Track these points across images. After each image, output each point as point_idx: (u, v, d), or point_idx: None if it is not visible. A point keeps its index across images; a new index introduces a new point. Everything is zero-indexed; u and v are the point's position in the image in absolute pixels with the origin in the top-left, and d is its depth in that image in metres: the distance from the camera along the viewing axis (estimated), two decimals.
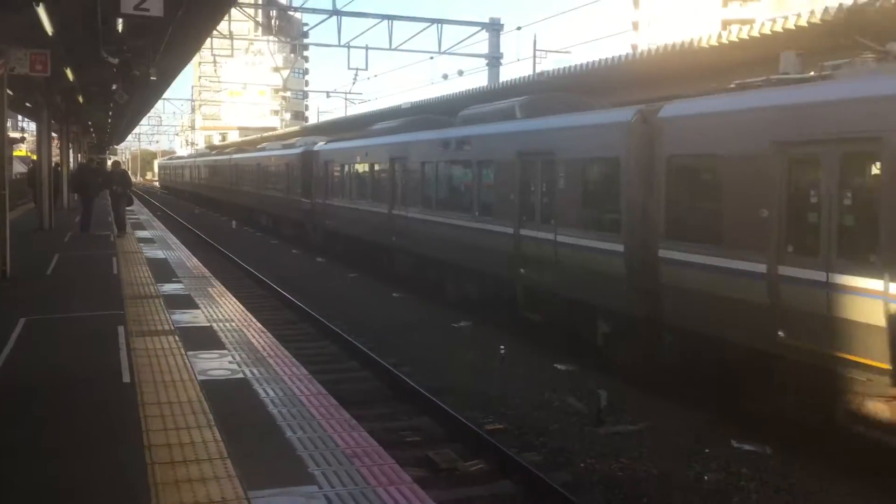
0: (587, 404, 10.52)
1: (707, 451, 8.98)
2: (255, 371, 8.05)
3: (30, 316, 10.37)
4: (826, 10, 14.60)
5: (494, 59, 34.19)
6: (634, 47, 79.39)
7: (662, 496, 7.89)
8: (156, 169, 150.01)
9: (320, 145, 28.12)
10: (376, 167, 21.82)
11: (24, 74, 13.67)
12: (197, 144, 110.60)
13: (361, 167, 23.22)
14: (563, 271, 12.75)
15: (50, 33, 12.71)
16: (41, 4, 10.97)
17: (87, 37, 15.11)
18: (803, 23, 15.07)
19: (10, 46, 13.43)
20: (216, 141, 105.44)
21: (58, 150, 35.13)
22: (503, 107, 16.38)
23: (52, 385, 7.45)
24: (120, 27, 14.14)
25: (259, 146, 43.76)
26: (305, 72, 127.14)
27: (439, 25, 32.86)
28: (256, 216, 38.97)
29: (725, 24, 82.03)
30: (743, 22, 72.75)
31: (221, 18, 18.56)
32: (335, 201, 25.12)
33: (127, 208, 24.01)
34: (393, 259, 20.71)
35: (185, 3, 11.48)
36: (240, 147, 59.55)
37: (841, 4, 14.03)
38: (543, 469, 8.30)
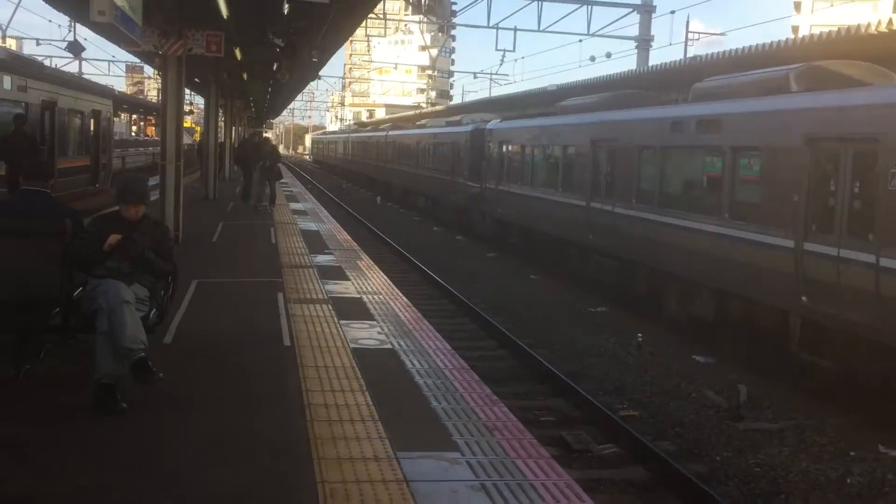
0: (726, 398, 10.43)
1: (852, 453, 8.75)
2: (402, 343, 8.51)
3: (201, 279, 11.28)
4: None
5: (645, 42, 33.52)
6: (795, 30, 75.46)
7: (801, 495, 7.80)
8: (307, 143, 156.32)
9: (494, 123, 25.15)
10: (570, 150, 18.73)
11: (201, 54, 14.68)
12: (346, 120, 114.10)
13: (548, 150, 20.29)
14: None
15: (225, 16, 13.62)
16: None
17: (256, 19, 16.08)
18: None
19: (189, 28, 14.43)
20: (364, 117, 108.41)
21: (222, 124, 37.29)
22: (772, 76, 12.53)
23: (224, 345, 8.17)
24: (286, 10, 14.99)
25: (418, 122, 42.81)
26: (452, 51, 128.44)
27: (589, 7, 32.51)
28: (413, 197, 37.28)
29: None
30: None
31: (379, 1, 19.26)
32: (511, 188, 22.24)
33: (278, 182, 24.98)
34: (588, 261, 17.42)
35: None
36: (396, 123, 57.39)
37: None
38: (678, 458, 8.37)
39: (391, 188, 42.69)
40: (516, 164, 22.48)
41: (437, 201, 32.29)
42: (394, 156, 41.73)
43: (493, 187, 23.74)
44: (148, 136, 69.09)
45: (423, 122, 40.99)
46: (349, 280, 12.25)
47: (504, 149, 23.48)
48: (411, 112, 69.80)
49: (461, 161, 27.73)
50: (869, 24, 17.15)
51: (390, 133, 45.14)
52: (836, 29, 18.02)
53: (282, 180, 26.93)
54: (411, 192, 37.49)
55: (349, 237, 17.96)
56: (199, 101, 52.53)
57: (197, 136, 59.21)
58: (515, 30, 33.79)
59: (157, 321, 6.77)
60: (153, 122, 73.81)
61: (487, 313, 14.65)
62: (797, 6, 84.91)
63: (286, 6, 14.55)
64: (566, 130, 19.20)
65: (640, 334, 13.04)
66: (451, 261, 21.55)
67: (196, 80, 28.79)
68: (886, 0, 74.44)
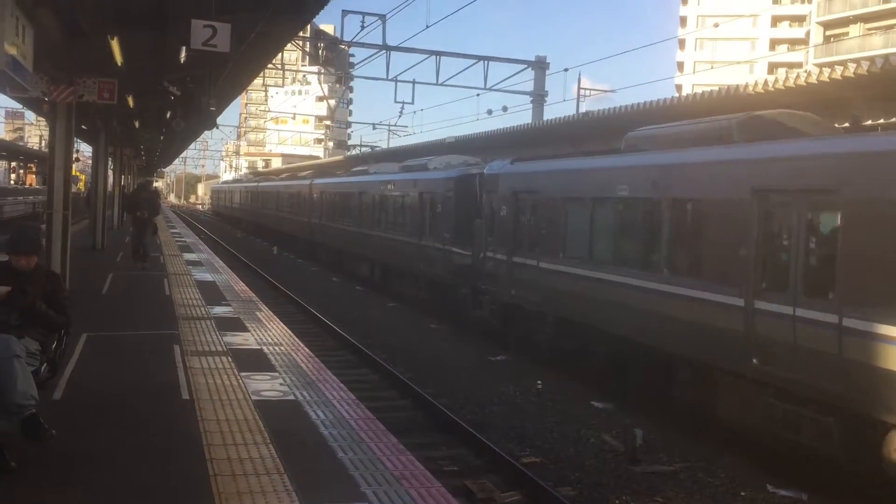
0: (623, 442, 10.68)
1: (743, 493, 9.10)
2: (306, 394, 8.39)
3: (91, 332, 10.84)
4: (873, 62, 14.80)
5: (539, 97, 34.70)
6: (679, 88, 79.63)
7: None
8: (199, 192, 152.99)
9: (501, 166, 17.60)
10: (666, 208, 11.73)
11: (92, 102, 14.31)
12: (241, 170, 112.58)
13: (618, 207, 13.12)
14: None
15: (119, 63, 13.36)
16: (115, 38, 11.58)
17: (152, 66, 15.82)
18: (837, 76, 15.32)
19: (80, 75, 14.08)
20: (260, 167, 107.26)
21: (110, 173, 36.22)
22: (714, 126, 11.99)
23: (118, 399, 7.86)
24: (183, 57, 14.81)
25: (355, 169, 35.27)
26: (350, 101, 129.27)
27: (486, 62, 33.52)
28: (353, 262, 29.74)
29: (772, 68, 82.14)
30: (790, 66, 72.50)
31: (279, 52, 19.28)
32: (543, 261, 14.96)
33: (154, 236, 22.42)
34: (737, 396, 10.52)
35: (248, 41, 12.02)
36: (321, 169, 50.35)
37: (887, 58, 14.23)
38: (579, 503, 8.50)
39: (320, 249, 35.25)
40: (545, 225, 15.16)
41: (392, 270, 24.97)
42: (324, 210, 34.00)
43: (502, 258, 16.53)
44: (28, 184, 66.18)
45: (362, 168, 33.96)
46: (248, 331, 12.02)
47: (522, 203, 16.07)
48: (339, 157, 65.52)
49: (438, 218, 20.84)
50: (747, 84, 18.34)
51: (316, 181, 37.31)
52: (717, 88, 19.20)
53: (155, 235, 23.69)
54: (353, 257, 29.59)
55: (246, 287, 17.65)
56: (84, 147, 50.81)
57: (81, 185, 57.11)
58: (414, 82, 34.46)
59: (48, 376, 6.48)
60: (34, 169, 70.92)
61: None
62: (680, 66, 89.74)
63: (183, 53, 14.39)
64: (659, 175, 12.10)
65: (539, 382, 13.24)
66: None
67: (84, 126, 28.01)
68: (761, 63, 79.82)
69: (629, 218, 13.03)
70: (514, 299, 16.15)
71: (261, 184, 54.73)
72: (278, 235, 43.81)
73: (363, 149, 40.56)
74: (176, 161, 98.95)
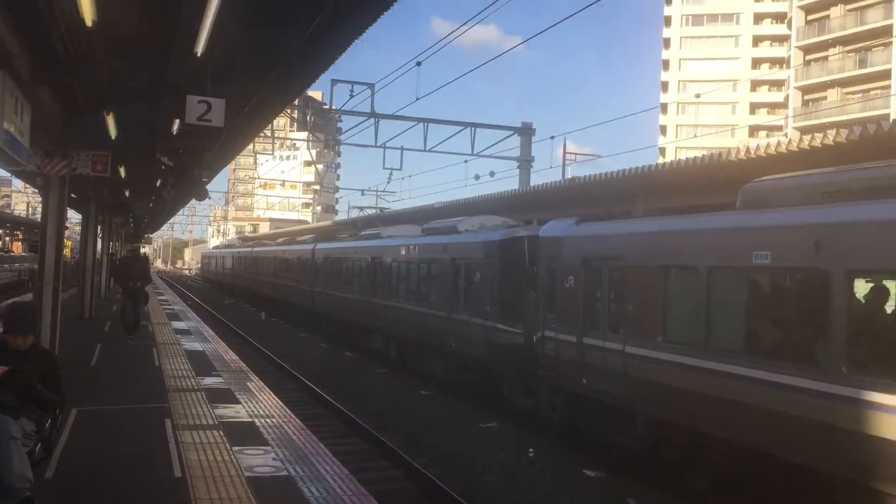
0: None
1: None
2: (299, 469, 8.34)
3: (81, 406, 10.77)
4: (851, 130, 15.19)
5: (526, 163, 35.21)
6: (662, 151, 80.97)
7: None
8: (186, 257, 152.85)
9: (561, 228, 14.59)
10: (841, 282, 8.61)
11: (86, 174, 14.46)
12: (228, 234, 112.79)
13: (754, 279, 10.26)
14: None
15: (113, 137, 13.54)
16: (111, 113, 11.78)
17: (145, 138, 16.05)
18: (818, 143, 15.69)
19: (74, 148, 14.25)
20: (247, 231, 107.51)
21: (98, 240, 36.27)
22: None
23: (111, 478, 7.79)
24: (175, 130, 15.03)
25: (364, 233, 30.62)
26: (338, 166, 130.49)
27: (473, 129, 34.10)
28: (363, 335, 26.46)
29: (753, 131, 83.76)
30: (770, 128, 73.41)
31: (270, 122, 19.59)
32: (630, 345, 11.95)
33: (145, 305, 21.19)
34: None
35: (242, 114, 12.26)
36: (322, 233, 45.15)
37: (866, 127, 14.61)
38: None
39: (323, 320, 32.02)
40: (648, 301, 11.78)
41: (412, 346, 21.74)
42: (329, 277, 30.91)
43: (568, 339, 13.58)
44: (13, 251, 65.88)
45: (371, 231, 29.78)
46: (239, 403, 11.95)
47: (600, 272, 13.01)
48: (340, 220, 62.01)
49: (476, 289, 17.93)
50: (729, 151, 18.73)
51: (319, 246, 33.81)
52: (704, 154, 19.59)
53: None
54: (360, 330, 26.77)
55: (236, 357, 17.57)
56: (71, 213, 50.77)
57: (67, 252, 56.83)
58: (402, 149, 34.91)
59: (43, 455, 6.45)
60: (20, 237, 70.75)
61: None
62: (663, 129, 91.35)
63: (177, 125, 14.61)
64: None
65: (531, 449, 13.17)
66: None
67: (73, 195, 28.15)
68: (742, 129, 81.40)
69: (774, 294, 10.15)
70: (585, 390, 13.11)
71: (255, 248, 51.52)
72: (275, 304, 40.91)
73: (367, 211, 37.56)
74: (164, 226, 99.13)
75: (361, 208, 36.80)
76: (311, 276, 33.57)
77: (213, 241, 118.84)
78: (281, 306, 39.78)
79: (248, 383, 13.92)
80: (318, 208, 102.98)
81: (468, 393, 18.10)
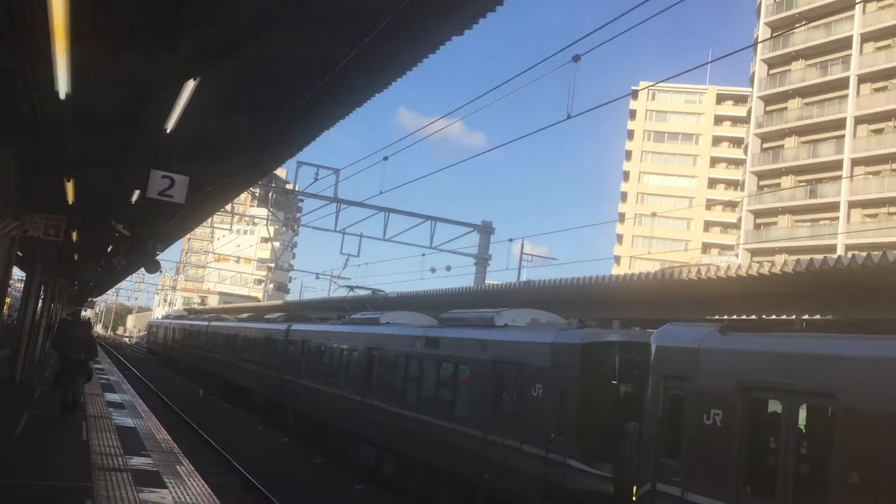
0: None
1: None
2: None
3: (1, 479, 10.24)
4: (798, 262, 15.64)
5: (483, 260, 35.50)
6: (618, 259, 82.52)
7: None
8: (129, 324, 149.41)
9: (694, 336, 10.14)
10: None
11: (37, 237, 14.18)
12: (175, 305, 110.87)
13: None
14: None
15: (70, 202, 13.37)
16: (71, 179, 11.66)
17: (102, 206, 15.88)
18: (766, 271, 16.15)
19: (27, 210, 14.02)
20: (195, 303, 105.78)
21: (41, 301, 35.36)
22: None
23: None
24: (134, 199, 14.90)
25: (355, 316, 25.48)
26: (294, 245, 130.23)
27: (433, 223, 34.45)
28: (344, 441, 21.13)
29: (706, 248, 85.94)
30: (722, 247, 75.65)
31: (231, 201, 19.55)
32: None
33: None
34: None
35: (205, 192, 12.22)
36: (291, 312, 38.78)
37: (812, 260, 15.07)
38: None
39: (292, 415, 26.17)
40: None
41: (421, 467, 16.63)
42: (304, 365, 25.66)
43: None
44: None
45: (364, 315, 24.53)
46: (166, 488, 11.48)
47: (780, 412, 8.84)
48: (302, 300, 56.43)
49: (534, 407, 13.01)
50: (681, 270, 19.12)
51: (295, 327, 28.22)
52: (656, 271, 19.95)
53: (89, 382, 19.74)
54: (340, 434, 21.46)
55: (168, 437, 16.98)
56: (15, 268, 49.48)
57: (6, 309, 54.98)
58: (361, 236, 35.01)
59: None
60: None
61: None
62: (619, 238, 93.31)
63: (136, 196, 14.49)
64: None
65: None
66: None
67: (20, 253, 27.54)
68: (695, 244, 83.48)
69: None
70: None
71: (213, 322, 45.40)
72: (233, 388, 35.24)
73: (358, 291, 31.22)
74: (109, 291, 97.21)
75: (351, 287, 31.05)
76: (280, 361, 28.00)
77: (159, 311, 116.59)
78: (240, 392, 33.71)
79: (178, 466, 13.40)
80: (271, 286, 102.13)
81: None
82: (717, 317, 18.28)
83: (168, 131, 10.53)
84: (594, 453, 11.79)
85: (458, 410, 15.51)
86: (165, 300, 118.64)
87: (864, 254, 14.32)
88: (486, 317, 16.54)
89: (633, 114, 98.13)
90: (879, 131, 60.85)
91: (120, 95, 9.15)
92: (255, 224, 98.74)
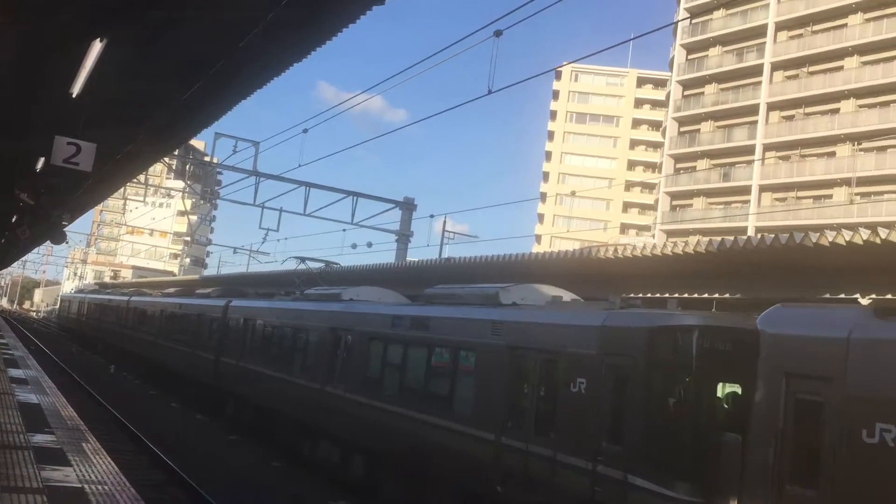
0: None
1: None
2: None
3: None
4: (710, 242, 16.06)
5: (405, 237, 35.39)
6: (538, 238, 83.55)
7: None
8: (36, 298, 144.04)
9: (852, 324, 7.65)
10: None
11: None
12: (85, 279, 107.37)
13: None
14: None
15: None
16: None
17: (5, 173, 15.14)
18: (679, 251, 16.54)
19: None
20: (107, 278, 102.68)
21: None
22: None
23: None
24: (39, 167, 14.26)
25: (310, 291, 22.67)
26: (213, 219, 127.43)
27: (355, 198, 34.12)
28: (298, 433, 18.70)
29: (624, 228, 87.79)
30: (640, 227, 77.81)
31: (143, 171, 18.94)
32: None
33: None
34: None
35: (114, 160, 11.76)
36: (229, 286, 35.59)
37: (723, 240, 15.49)
38: None
39: (232, 401, 23.64)
40: None
41: (407, 470, 14.27)
42: (248, 347, 22.90)
43: None
44: None
45: (320, 291, 21.99)
46: (70, 465, 11.08)
47: None
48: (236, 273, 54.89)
49: (579, 407, 10.51)
50: (599, 249, 19.42)
51: (236, 303, 25.50)
52: (574, 249, 20.22)
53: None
54: (294, 425, 18.92)
55: (74, 413, 16.43)
56: None
57: None
58: (281, 210, 34.47)
59: None
60: None
61: None
62: (541, 217, 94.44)
63: (41, 164, 13.88)
64: None
65: None
66: None
67: None
68: (614, 225, 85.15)
69: None
70: None
71: (134, 298, 41.54)
72: (160, 370, 32.35)
73: (312, 265, 27.61)
74: (14, 264, 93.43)
75: (302, 259, 27.91)
76: (217, 342, 25.34)
77: (69, 284, 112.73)
78: (168, 374, 30.99)
79: (84, 444, 12.97)
80: (188, 261, 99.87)
81: None
82: (630, 295, 18.66)
83: (74, 95, 10.06)
84: (668, 470, 9.07)
85: (459, 406, 12.88)
86: (76, 274, 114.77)
87: (773, 235, 14.80)
88: (488, 293, 13.97)
89: (556, 94, 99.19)
90: (790, 118, 62.98)
91: (18, 53, 8.67)
92: (171, 197, 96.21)
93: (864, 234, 13.22)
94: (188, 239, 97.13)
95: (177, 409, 27.17)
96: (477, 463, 11.92)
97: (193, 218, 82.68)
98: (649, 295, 18.88)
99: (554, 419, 10.73)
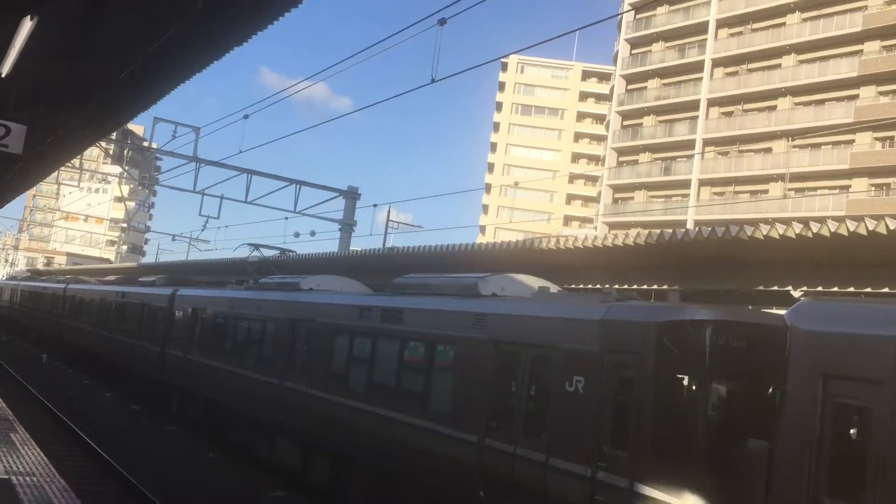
0: None
1: None
2: None
3: None
4: (650, 234, 16.29)
5: (348, 227, 35.11)
6: (483, 229, 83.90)
7: None
8: None
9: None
10: None
11: None
12: (17, 265, 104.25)
13: None
14: None
15: None
16: None
17: None
18: (620, 242, 16.78)
19: None
20: (40, 264, 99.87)
21: None
22: None
23: None
24: None
25: (264, 280, 21.39)
26: (151, 206, 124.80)
27: (298, 186, 33.69)
28: (248, 430, 18.07)
29: (567, 220, 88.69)
30: (583, 219, 78.57)
31: (78, 155, 18.41)
32: None
33: None
34: None
35: (45, 143, 11.40)
36: (174, 274, 34.31)
37: (662, 233, 15.74)
38: None
39: (179, 398, 22.62)
40: None
41: (373, 470, 13.54)
42: (199, 339, 21.72)
43: None
44: None
45: (275, 280, 20.78)
46: None
47: None
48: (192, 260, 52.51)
49: (575, 407, 9.70)
50: (542, 240, 19.56)
51: (182, 292, 24.22)
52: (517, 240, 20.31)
53: None
54: (246, 422, 18.14)
55: (2, 403, 15.96)
56: None
57: None
58: (222, 198, 33.85)
59: None
60: None
61: None
62: (485, 208, 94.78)
63: None
64: None
65: None
66: None
67: None
68: (557, 216, 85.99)
69: None
70: None
71: (71, 285, 40.04)
72: (102, 363, 30.62)
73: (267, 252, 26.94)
74: None
75: (256, 246, 26.95)
76: (163, 333, 24.05)
77: (0, 271, 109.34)
78: (109, 368, 29.66)
79: (12, 434, 12.60)
80: (125, 248, 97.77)
81: None
82: (572, 286, 18.84)
83: (3, 75, 9.72)
84: (681, 478, 8.16)
85: (436, 404, 11.93)
86: (6, 260, 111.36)
87: (710, 228, 15.08)
88: (466, 283, 12.90)
89: (501, 86, 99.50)
90: (729, 114, 64.26)
91: None
92: (107, 182, 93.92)
93: (797, 228, 13.55)
94: (125, 226, 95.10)
95: (111, 398, 26.60)
96: (456, 466, 10.92)
97: (131, 204, 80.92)
98: (590, 286, 19.10)
99: (546, 420, 9.78)
